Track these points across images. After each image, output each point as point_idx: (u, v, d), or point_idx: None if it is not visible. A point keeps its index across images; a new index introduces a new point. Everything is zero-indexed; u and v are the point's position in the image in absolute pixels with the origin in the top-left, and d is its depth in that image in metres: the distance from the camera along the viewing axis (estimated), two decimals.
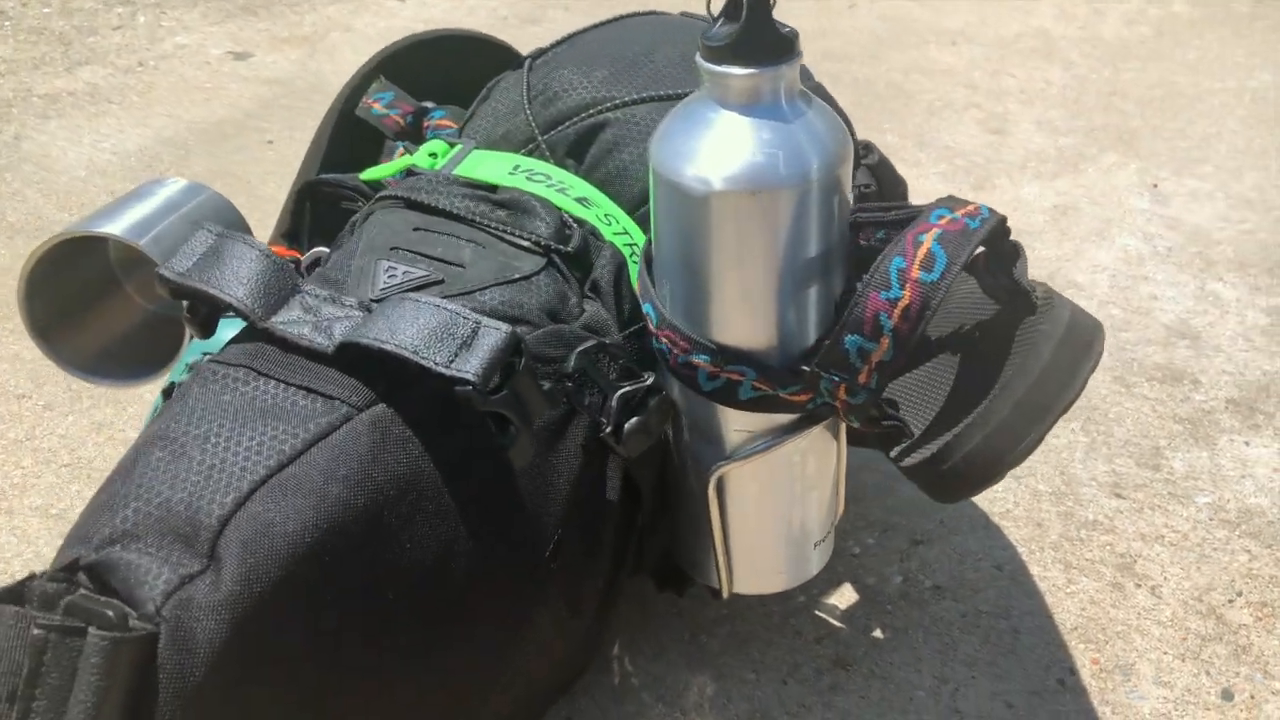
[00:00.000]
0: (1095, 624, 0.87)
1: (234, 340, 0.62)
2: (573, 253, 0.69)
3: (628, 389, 0.65)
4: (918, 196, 0.84)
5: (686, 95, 0.74)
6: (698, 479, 0.69)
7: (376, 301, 0.62)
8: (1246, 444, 1.06)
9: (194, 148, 1.55)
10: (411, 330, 0.57)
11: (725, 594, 0.72)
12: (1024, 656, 0.84)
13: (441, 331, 0.57)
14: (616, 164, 0.74)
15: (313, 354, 0.58)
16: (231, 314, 0.63)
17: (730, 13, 0.58)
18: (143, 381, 0.80)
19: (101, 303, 0.81)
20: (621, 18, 0.86)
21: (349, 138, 0.92)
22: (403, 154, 0.89)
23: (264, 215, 0.90)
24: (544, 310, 0.66)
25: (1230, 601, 0.90)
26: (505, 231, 0.69)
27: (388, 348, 0.56)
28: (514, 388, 0.57)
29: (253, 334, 0.60)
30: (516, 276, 0.67)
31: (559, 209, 0.71)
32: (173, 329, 0.79)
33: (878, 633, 0.85)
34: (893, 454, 0.61)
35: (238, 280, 0.60)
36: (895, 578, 0.90)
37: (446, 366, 0.55)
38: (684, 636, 0.83)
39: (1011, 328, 0.61)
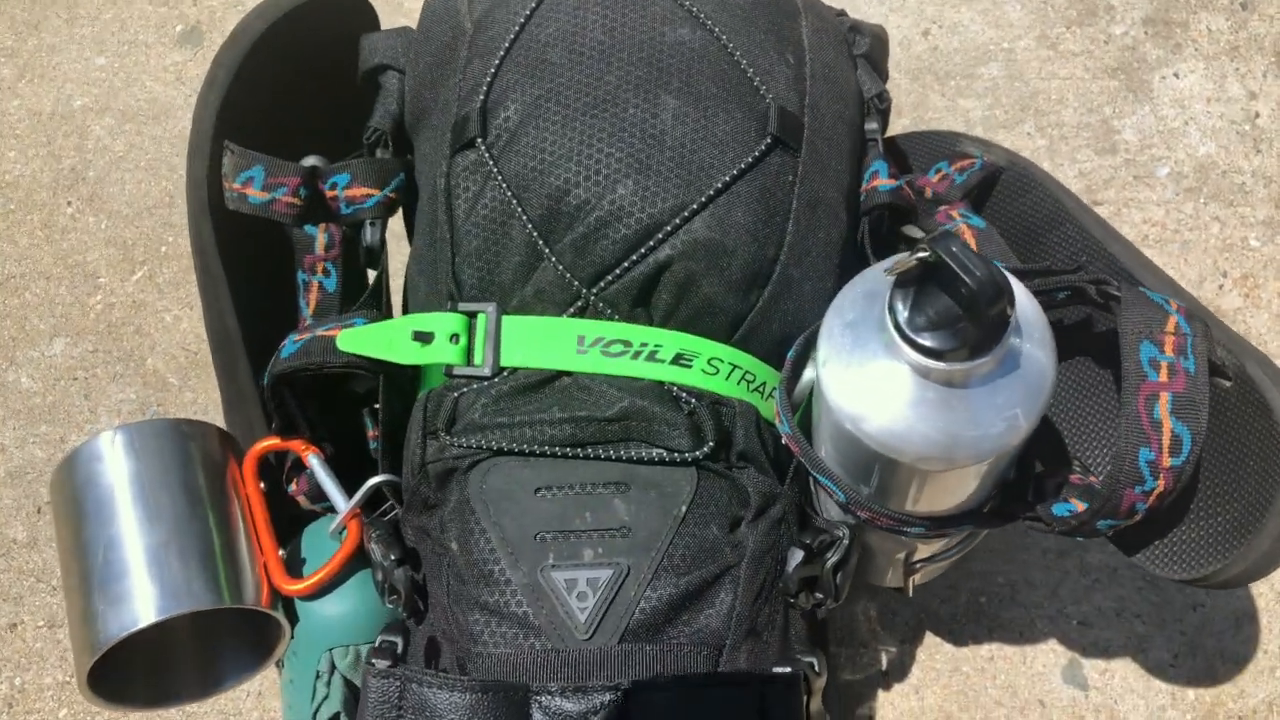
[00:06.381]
0: None
1: None
2: (716, 445, 0.61)
3: (835, 560, 0.63)
4: None
5: (730, 183, 0.61)
6: (886, 560, 0.70)
7: (589, 640, 0.57)
8: (1176, 76, 1.08)
9: None
10: None
11: (909, 594, 0.77)
12: None
13: (737, 717, 0.53)
14: (698, 301, 0.61)
15: None
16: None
17: (912, 280, 0.47)
18: (242, 679, 0.71)
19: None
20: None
21: (234, 242, 0.71)
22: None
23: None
24: (725, 525, 0.61)
25: (1220, 287, 0.99)
26: (638, 459, 0.60)
27: None
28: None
29: None
30: (683, 509, 0.60)
31: (669, 389, 0.61)
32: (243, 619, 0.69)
33: None
34: (1129, 551, 0.62)
35: None
36: None
37: None
38: None
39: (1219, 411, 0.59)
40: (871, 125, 0.72)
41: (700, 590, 0.59)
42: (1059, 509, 0.60)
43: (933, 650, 0.87)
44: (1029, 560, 0.89)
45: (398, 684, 0.54)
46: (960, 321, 0.46)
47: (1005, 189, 0.71)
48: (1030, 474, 0.61)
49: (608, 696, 0.55)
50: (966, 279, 0.44)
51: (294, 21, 0.72)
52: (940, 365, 0.48)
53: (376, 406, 0.71)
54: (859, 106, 0.72)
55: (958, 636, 0.87)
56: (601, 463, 0.60)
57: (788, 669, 0.55)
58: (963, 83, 1.07)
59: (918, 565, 0.68)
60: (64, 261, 1.01)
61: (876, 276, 0.53)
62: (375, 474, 0.67)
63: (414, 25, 0.73)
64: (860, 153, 0.71)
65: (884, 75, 0.75)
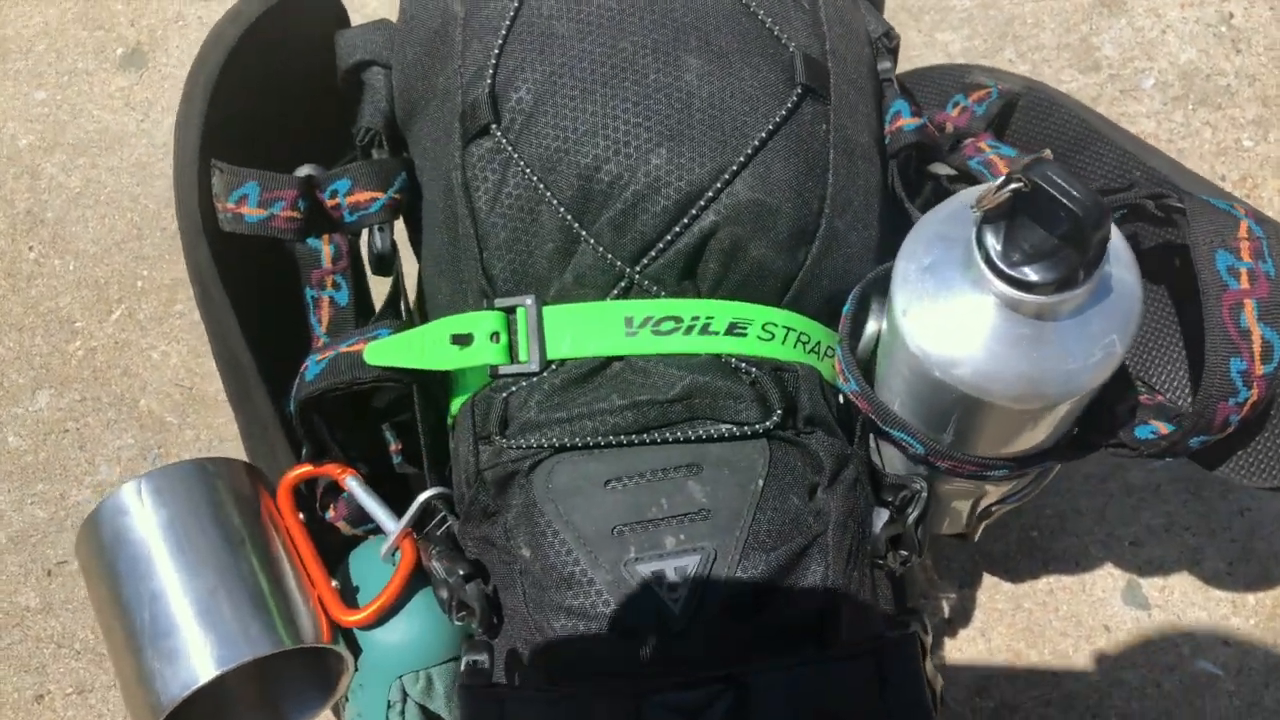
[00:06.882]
0: None
1: None
2: (784, 412, 0.59)
3: (915, 514, 0.61)
4: None
5: (766, 139, 0.58)
6: (947, 507, 0.69)
7: (686, 630, 0.54)
8: None
9: None
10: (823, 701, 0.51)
11: (974, 539, 0.76)
12: None
13: (858, 687, 0.51)
14: (747, 266, 0.59)
15: None
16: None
17: (1002, 214, 0.45)
18: (308, 718, 0.67)
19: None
20: None
21: (234, 265, 0.67)
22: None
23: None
24: (804, 494, 0.58)
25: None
26: (706, 437, 0.58)
27: None
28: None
29: None
30: (760, 484, 0.57)
31: (727, 361, 0.59)
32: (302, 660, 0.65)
33: None
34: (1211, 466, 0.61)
35: None
36: None
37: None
38: None
39: None
40: (884, 65, 0.70)
41: (791, 564, 0.56)
42: (1140, 431, 0.58)
43: (992, 591, 0.85)
44: (1073, 488, 0.88)
45: (497, 705, 0.51)
46: (1058, 251, 0.44)
47: (1025, 115, 0.69)
48: (1105, 401, 0.60)
49: (720, 686, 0.52)
50: (1068, 204, 0.42)
51: (266, 26, 0.68)
52: (1040, 299, 0.46)
53: (398, 420, 0.68)
54: (871, 48, 0.69)
55: (1015, 574, 0.86)
56: (670, 446, 0.58)
57: (899, 631, 0.53)
58: (937, 16, 1.05)
59: (992, 509, 0.66)
60: (35, 310, 0.95)
61: (945, 217, 0.51)
62: (401, 490, 0.64)
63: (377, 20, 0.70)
64: (879, 94, 0.69)
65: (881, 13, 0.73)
